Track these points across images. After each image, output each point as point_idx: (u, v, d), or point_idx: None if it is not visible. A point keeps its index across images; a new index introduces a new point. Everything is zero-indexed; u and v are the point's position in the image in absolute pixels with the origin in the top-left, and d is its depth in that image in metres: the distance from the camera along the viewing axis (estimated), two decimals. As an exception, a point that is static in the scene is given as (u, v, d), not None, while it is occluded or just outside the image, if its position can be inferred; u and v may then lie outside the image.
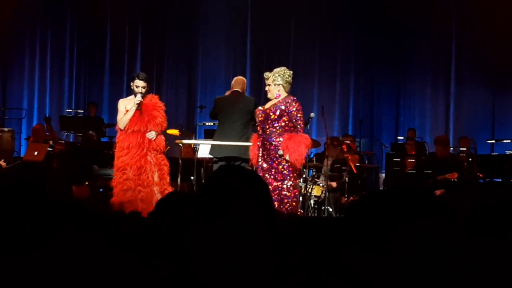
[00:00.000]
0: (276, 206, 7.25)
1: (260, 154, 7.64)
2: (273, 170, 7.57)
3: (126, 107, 8.04)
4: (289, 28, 15.65)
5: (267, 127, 7.59)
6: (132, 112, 7.98)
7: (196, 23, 16.01)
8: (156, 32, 16.02)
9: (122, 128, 8.01)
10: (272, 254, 2.09)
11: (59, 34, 16.04)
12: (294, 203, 7.56)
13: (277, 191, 7.49)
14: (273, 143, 7.56)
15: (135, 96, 8.06)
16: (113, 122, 14.64)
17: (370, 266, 1.90)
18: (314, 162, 11.46)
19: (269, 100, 7.80)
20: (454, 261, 1.89)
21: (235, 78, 9.20)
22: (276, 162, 7.55)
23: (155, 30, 16.02)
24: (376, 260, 1.89)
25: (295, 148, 7.48)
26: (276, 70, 7.76)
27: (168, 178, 8.05)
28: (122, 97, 15.58)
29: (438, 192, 9.53)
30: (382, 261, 1.89)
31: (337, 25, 15.46)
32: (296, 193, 7.72)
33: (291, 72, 7.80)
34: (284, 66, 7.95)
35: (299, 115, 7.56)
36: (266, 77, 7.79)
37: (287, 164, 7.51)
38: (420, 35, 15.08)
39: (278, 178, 7.53)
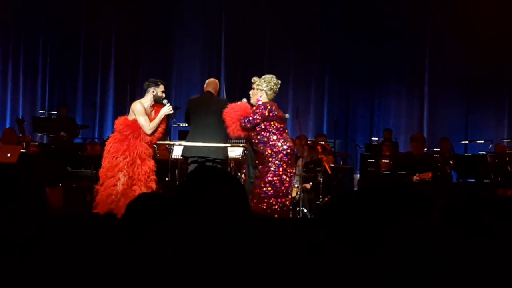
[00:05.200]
0: (253, 205, 7.27)
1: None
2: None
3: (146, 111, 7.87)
4: (264, 30, 15.63)
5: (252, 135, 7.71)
6: (161, 119, 7.92)
7: (171, 24, 15.97)
8: (131, 33, 15.94)
9: (150, 134, 7.79)
10: (249, 253, 2.09)
11: (32, 35, 15.90)
12: (272, 201, 7.60)
13: (257, 191, 7.56)
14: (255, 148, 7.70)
15: (155, 101, 8.11)
16: (86, 124, 14.61)
17: (351, 264, 1.90)
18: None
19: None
20: (436, 257, 1.90)
21: (207, 80, 9.23)
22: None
23: (129, 31, 15.94)
24: (354, 258, 1.89)
25: (232, 116, 7.56)
26: (264, 76, 7.79)
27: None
28: (96, 98, 15.66)
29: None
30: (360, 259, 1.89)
31: (312, 27, 15.47)
32: (271, 193, 7.70)
33: (279, 81, 7.80)
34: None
35: (253, 114, 7.55)
36: (253, 81, 7.81)
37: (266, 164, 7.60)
38: (395, 37, 15.15)
39: (257, 180, 7.63)
